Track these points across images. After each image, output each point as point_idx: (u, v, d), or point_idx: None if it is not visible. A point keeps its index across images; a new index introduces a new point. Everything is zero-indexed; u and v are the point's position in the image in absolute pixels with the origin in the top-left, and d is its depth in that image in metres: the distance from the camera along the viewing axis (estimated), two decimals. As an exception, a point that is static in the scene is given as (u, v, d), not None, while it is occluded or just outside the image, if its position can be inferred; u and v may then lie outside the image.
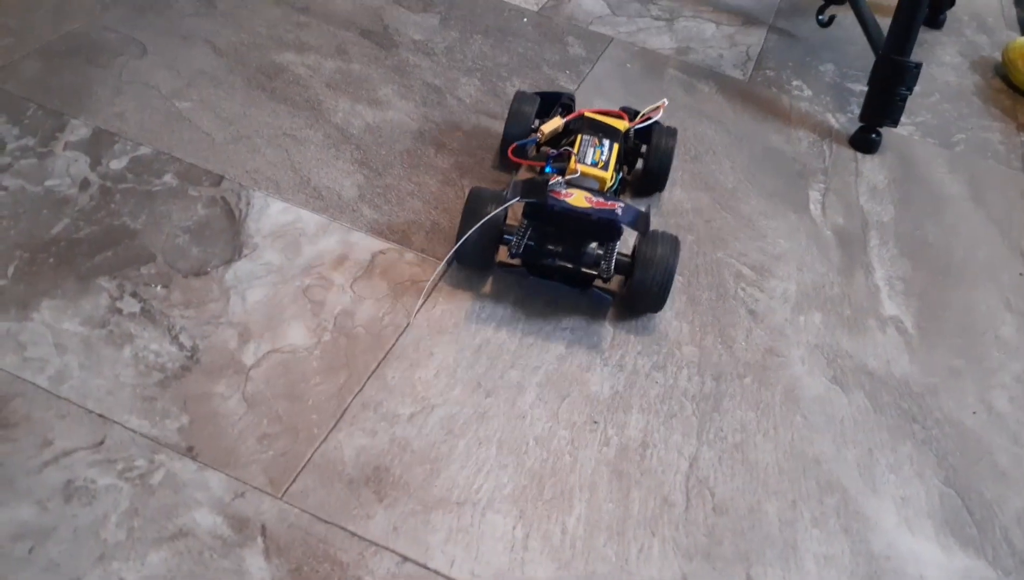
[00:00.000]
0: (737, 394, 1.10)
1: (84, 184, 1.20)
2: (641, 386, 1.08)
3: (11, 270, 1.06)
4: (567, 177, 1.11)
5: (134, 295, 1.06)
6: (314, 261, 1.15)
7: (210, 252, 1.13)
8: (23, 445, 0.88)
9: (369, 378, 1.02)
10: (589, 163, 1.15)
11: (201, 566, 0.81)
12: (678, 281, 1.24)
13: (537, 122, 1.31)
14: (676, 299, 1.21)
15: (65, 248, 1.10)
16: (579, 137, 1.20)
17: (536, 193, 1.07)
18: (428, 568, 0.85)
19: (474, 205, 1.10)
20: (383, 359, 1.05)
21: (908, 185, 1.54)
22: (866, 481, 1.02)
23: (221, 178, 1.25)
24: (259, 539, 0.84)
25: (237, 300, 1.08)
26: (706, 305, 1.22)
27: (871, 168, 1.56)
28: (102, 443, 0.89)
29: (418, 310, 1.11)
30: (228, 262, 1.13)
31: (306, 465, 0.92)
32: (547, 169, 1.16)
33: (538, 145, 1.30)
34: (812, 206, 1.45)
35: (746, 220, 1.39)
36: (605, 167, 1.15)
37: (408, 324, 1.09)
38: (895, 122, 1.55)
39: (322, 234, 1.19)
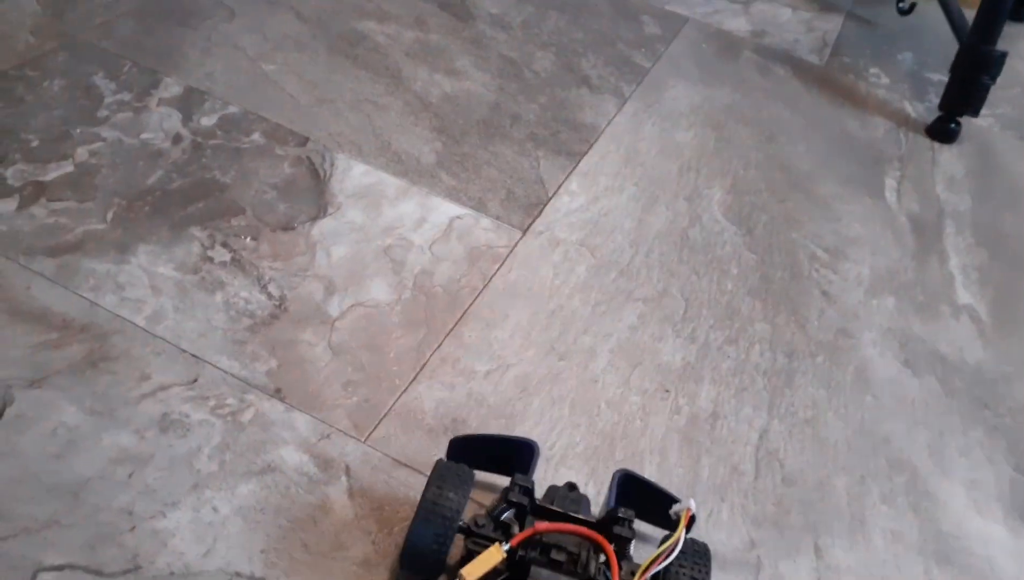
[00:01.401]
0: (809, 372, 1.10)
1: (177, 138, 1.24)
2: (713, 358, 1.09)
3: (110, 216, 1.10)
4: None
5: (225, 245, 1.10)
6: (394, 222, 1.18)
7: (296, 208, 1.17)
8: (122, 378, 0.92)
9: (447, 335, 1.05)
10: None
11: (288, 500, 0.84)
12: (751, 259, 1.25)
13: (465, 521, 0.75)
14: (749, 277, 1.22)
15: (159, 198, 1.14)
16: None
17: None
18: (503, 517, 0.87)
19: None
20: (460, 318, 1.07)
21: (986, 176, 1.52)
22: (936, 462, 1.02)
23: (306, 139, 1.29)
24: (343, 478, 0.87)
25: (323, 255, 1.11)
26: (779, 284, 1.22)
27: (948, 158, 1.54)
28: (195, 381, 0.93)
29: (494, 274, 1.14)
30: (314, 219, 1.16)
31: (388, 413, 0.95)
32: None
33: None
34: (887, 193, 1.44)
35: (821, 203, 1.38)
36: None
37: (484, 287, 1.12)
38: (976, 112, 1.52)
39: (402, 197, 1.22)
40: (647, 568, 0.72)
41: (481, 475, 0.87)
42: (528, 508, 0.79)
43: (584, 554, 0.75)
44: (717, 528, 0.90)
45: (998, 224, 1.41)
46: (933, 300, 1.25)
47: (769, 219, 1.33)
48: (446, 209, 1.21)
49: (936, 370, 1.14)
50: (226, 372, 0.95)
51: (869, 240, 1.33)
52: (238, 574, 0.78)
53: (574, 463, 0.94)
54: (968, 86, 1.49)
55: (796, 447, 1.00)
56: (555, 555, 0.74)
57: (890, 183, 1.46)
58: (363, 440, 0.91)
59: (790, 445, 1.00)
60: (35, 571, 0.76)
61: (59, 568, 0.76)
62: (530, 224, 1.22)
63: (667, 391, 1.04)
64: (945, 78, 1.56)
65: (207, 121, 1.28)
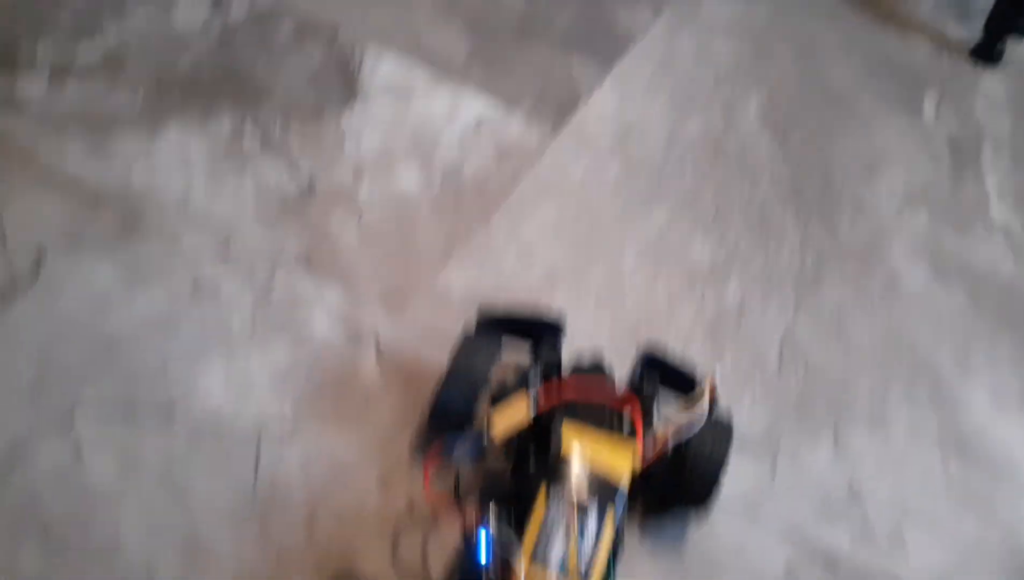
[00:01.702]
0: (837, 276, 1.10)
1: (206, 27, 1.23)
2: (742, 260, 1.09)
3: (140, 96, 1.10)
4: None
5: (255, 128, 1.10)
6: (424, 116, 1.18)
7: (326, 98, 1.16)
8: (155, 246, 0.93)
9: (476, 226, 1.05)
10: (555, 562, 0.61)
11: (319, 364, 0.86)
12: (784, 169, 1.23)
13: (495, 384, 0.75)
14: (782, 185, 1.21)
15: (190, 82, 1.14)
16: (542, 494, 0.65)
17: None
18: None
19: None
20: (490, 210, 1.07)
21: (1029, 100, 1.48)
22: (960, 367, 1.02)
23: (336, 31, 1.28)
24: (372, 348, 0.89)
25: (352, 143, 1.11)
26: (812, 193, 1.21)
27: (991, 80, 1.50)
28: (227, 251, 0.94)
29: (524, 171, 1.13)
30: (343, 108, 1.16)
31: (417, 293, 0.95)
32: (478, 559, 0.62)
33: (484, 450, 0.75)
34: (926, 112, 1.41)
35: (858, 119, 1.36)
36: (584, 573, 0.61)
37: (514, 183, 1.11)
38: (1023, 33, 1.48)
39: (432, 92, 1.21)
40: (672, 430, 0.73)
41: (510, 343, 0.87)
42: (554, 374, 0.80)
43: (608, 416, 0.76)
44: (738, 413, 0.91)
45: (1038, 148, 1.38)
46: (967, 217, 1.23)
47: (804, 132, 1.31)
48: (477, 106, 1.21)
49: (966, 283, 1.13)
50: (257, 245, 0.96)
51: (905, 157, 1.31)
52: (269, 426, 0.80)
53: (599, 348, 0.94)
54: (1016, 6, 1.45)
55: (821, 345, 1.00)
56: (581, 414, 0.75)
57: (929, 103, 1.43)
58: (392, 315, 0.92)
59: (815, 343, 1.00)
60: (73, 412, 0.78)
61: (96, 412, 0.78)
62: (562, 125, 1.21)
63: (694, 287, 1.04)
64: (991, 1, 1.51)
65: (237, 11, 1.27)
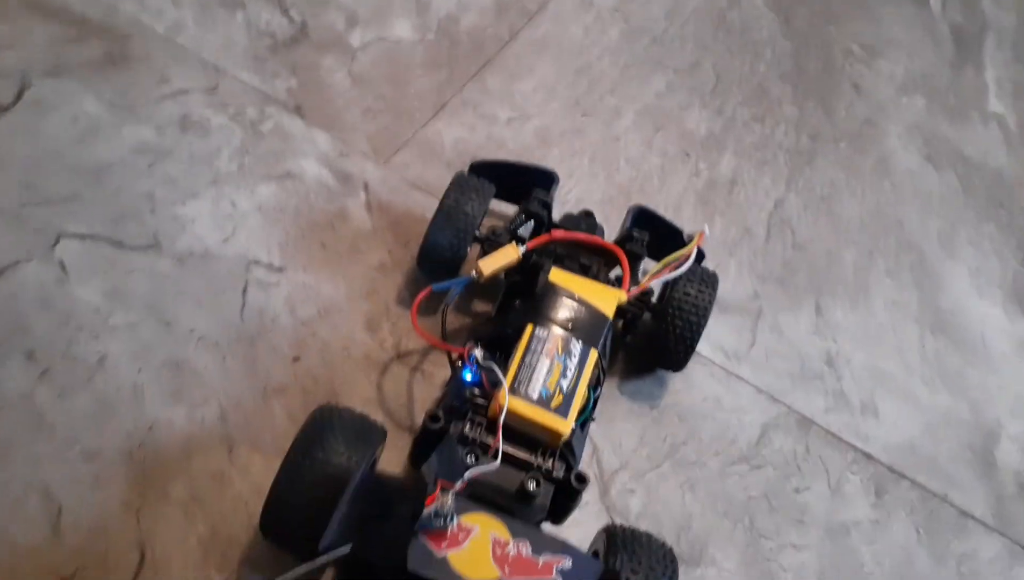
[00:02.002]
0: (831, 155, 1.09)
1: None
2: (737, 132, 1.08)
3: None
4: (493, 419, 0.61)
5: (247, -33, 1.05)
6: (423, -34, 1.13)
7: (321, -59, 1.11)
8: (142, 78, 0.90)
9: (470, 80, 1.03)
10: (536, 394, 0.62)
11: (307, 205, 0.85)
12: (786, 47, 1.21)
13: (484, 231, 0.77)
14: (782, 62, 1.19)
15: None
16: (527, 333, 0.66)
17: (388, 548, 0.53)
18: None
19: None
20: (484, 66, 1.05)
21: (1037, -5, 1.45)
22: (945, 248, 1.03)
23: None
24: (362, 193, 0.88)
25: (346, -12, 1.07)
26: (812, 73, 1.19)
27: (1000, -27, 1.47)
28: (215, 88, 0.92)
29: (522, 28, 1.10)
30: (339, -48, 1.11)
31: (407, 142, 0.94)
32: (465, 376, 0.64)
33: (472, 288, 0.76)
34: (932, 1, 1.38)
35: (863, 3, 1.33)
36: (565, 406, 0.62)
37: (511, 38, 1.09)
38: (1038, -77, 1.44)
39: (432, -57, 1.16)
40: (657, 272, 0.74)
41: (499, 206, 0.87)
42: (545, 222, 0.79)
43: (595, 266, 0.76)
44: (723, 279, 0.91)
45: (1041, 43, 1.37)
46: (964, 105, 1.22)
47: (809, 12, 1.28)
48: (477, -40, 1.16)
49: (957, 168, 1.13)
50: (246, 84, 0.93)
51: (907, 43, 1.29)
52: (256, 261, 0.80)
53: (590, 209, 0.94)
54: None
55: (809, 219, 1.01)
56: (568, 264, 0.75)
57: (936, -8, 1.40)
58: (382, 163, 0.91)
59: (804, 216, 1.01)
60: (58, 236, 0.77)
61: (81, 237, 0.77)
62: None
63: (688, 155, 1.03)
64: None
65: None
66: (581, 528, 0.69)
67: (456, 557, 0.52)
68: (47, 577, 0.61)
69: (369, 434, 0.60)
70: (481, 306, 0.83)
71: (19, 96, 0.85)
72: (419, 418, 0.74)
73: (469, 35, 1.07)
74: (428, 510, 0.52)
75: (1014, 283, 1.02)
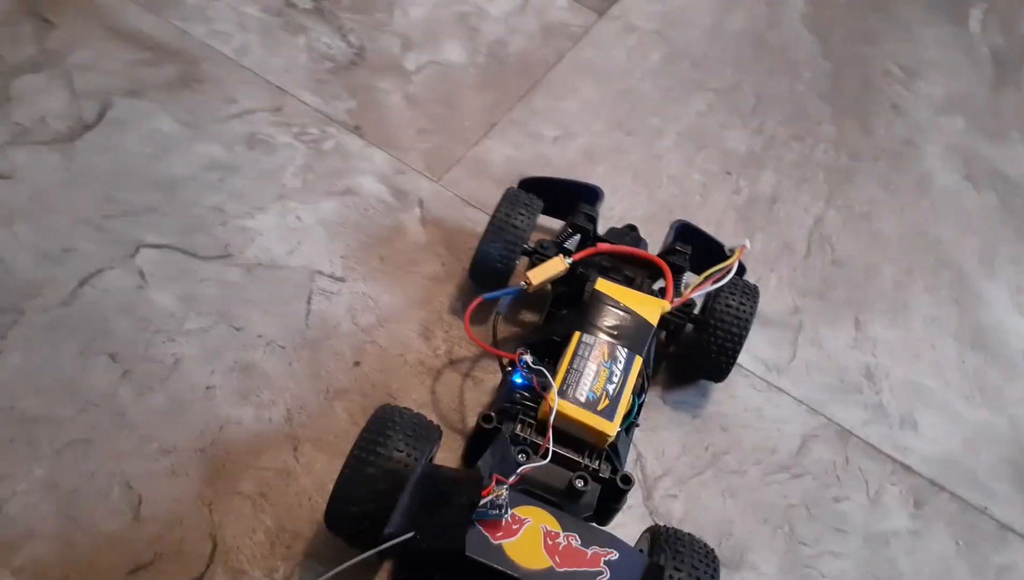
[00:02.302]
0: (870, 173, 1.11)
1: None
2: (777, 151, 1.11)
3: (197, -44, 1.12)
4: (542, 420, 0.65)
5: (308, -6, 1.11)
6: (473, -8, 1.18)
7: (377, -32, 1.17)
8: (212, 99, 0.96)
9: (518, 101, 1.07)
10: (584, 398, 0.66)
11: (366, 219, 0.90)
12: (825, 67, 1.24)
13: (532, 244, 0.81)
14: (821, 83, 1.21)
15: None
16: (575, 340, 0.70)
17: (447, 532, 0.56)
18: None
19: None
20: (532, 88, 1.09)
21: (1078, 17, 1.46)
22: (984, 266, 1.05)
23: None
24: (417, 209, 0.92)
25: (401, 14, 1.12)
26: (850, 93, 1.22)
27: (1041, -5, 1.48)
28: (280, 109, 0.97)
29: (568, 51, 1.14)
30: (394, -21, 1.16)
31: (459, 160, 0.98)
32: (516, 379, 0.68)
33: (526, 294, 0.77)
34: (972, 23, 1.40)
35: (902, 24, 1.35)
36: (610, 410, 0.66)
37: (557, 62, 1.13)
38: (1080, -55, 1.45)
39: (482, -30, 1.21)
40: (700, 283, 0.77)
41: (546, 222, 0.91)
42: (591, 236, 0.83)
43: (639, 278, 0.79)
44: (764, 293, 0.94)
45: (1082, 64, 1.37)
46: (1004, 126, 1.24)
47: (847, 32, 1.30)
48: (525, -15, 1.21)
49: (997, 187, 1.15)
50: (308, 105, 0.99)
51: (946, 64, 1.31)
52: (320, 272, 0.85)
53: (634, 224, 0.98)
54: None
55: (849, 235, 1.03)
56: (613, 275, 0.79)
57: (975, 14, 1.41)
58: (436, 180, 0.96)
59: (843, 233, 1.03)
60: (137, 246, 0.82)
61: (158, 246, 0.83)
62: (607, 8, 1.21)
63: (729, 173, 1.06)
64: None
65: None
66: (625, 530, 0.72)
67: (510, 545, 0.55)
68: (128, 564, 0.66)
69: (427, 432, 0.64)
70: (529, 316, 0.86)
71: (102, 115, 0.91)
72: (470, 421, 0.78)
73: (517, 58, 1.12)
74: (484, 501, 0.56)
75: (1054, 301, 1.03)
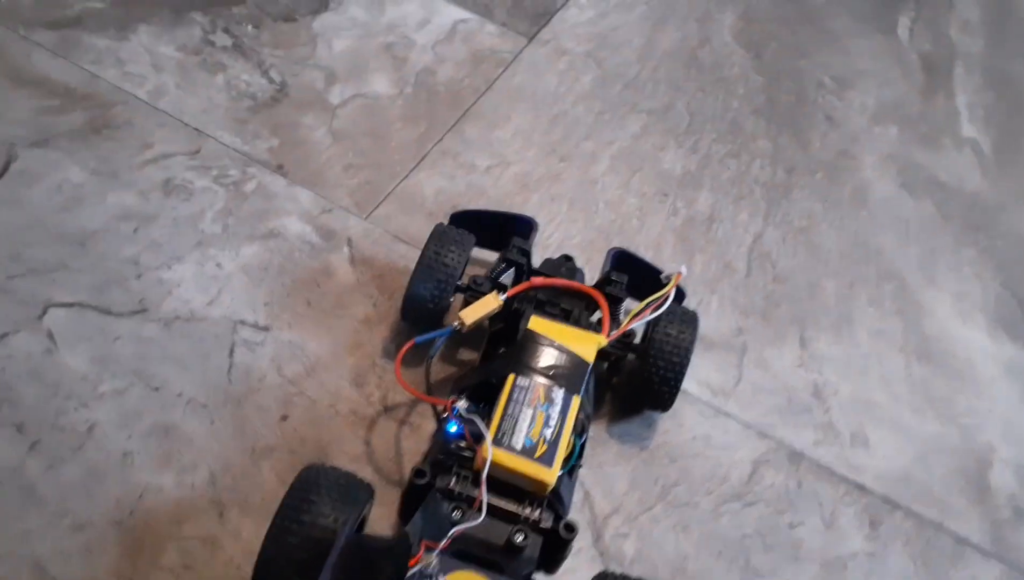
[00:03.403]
0: (807, 187, 1.11)
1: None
2: (713, 169, 1.10)
3: (108, 1, 1.08)
4: (478, 471, 0.61)
5: (226, 31, 1.08)
6: (397, 21, 1.16)
7: (298, 1, 1.14)
8: (126, 145, 0.92)
9: (448, 131, 1.05)
10: (520, 445, 0.63)
11: (292, 263, 0.86)
12: (758, 81, 1.23)
13: (466, 280, 0.78)
14: (755, 98, 1.21)
15: (159, -18, 1.11)
16: (509, 383, 0.67)
17: None
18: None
19: None
20: (462, 116, 1.07)
21: (1002, 22, 1.48)
22: (925, 275, 1.04)
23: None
24: (345, 248, 0.89)
25: (324, 47, 1.09)
26: (784, 106, 1.21)
27: (965, 1, 1.50)
28: (198, 152, 0.93)
29: (498, 78, 1.12)
30: (315, 12, 1.14)
31: (389, 195, 0.95)
32: (449, 429, 0.66)
33: (455, 338, 0.77)
34: (900, 31, 1.41)
35: (832, 36, 1.36)
36: (549, 455, 0.63)
37: (488, 89, 1.11)
38: (999, -49, 1.48)
39: (407, -1, 1.19)
40: (636, 314, 0.75)
41: (481, 254, 0.88)
42: (525, 269, 0.80)
43: (577, 311, 0.77)
44: (706, 316, 0.93)
45: (1009, 68, 1.39)
46: (936, 132, 1.24)
47: (779, 46, 1.30)
48: (450, 12, 1.19)
49: (934, 194, 1.15)
50: (228, 146, 0.95)
51: (877, 73, 1.31)
52: (243, 322, 0.81)
53: (570, 253, 0.95)
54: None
55: (789, 251, 1.02)
56: (549, 310, 0.76)
57: (904, 22, 1.43)
58: (364, 217, 0.93)
59: (783, 249, 1.02)
60: (46, 306, 0.78)
61: (69, 305, 0.78)
62: (536, 32, 1.20)
63: (666, 195, 1.05)
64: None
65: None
66: (575, 576, 0.69)
67: (442, 617, 0.52)
68: (39, 652, 0.61)
69: (355, 493, 0.60)
70: (467, 354, 0.83)
71: (6, 168, 0.86)
72: (408, 472, 0.74)
73: (446, 87, 1.09)
74: (412, 571, 0.52)
75: (996, 306, 1.03)
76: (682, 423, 0.84)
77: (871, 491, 0.84)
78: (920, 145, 1.21)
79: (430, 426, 0.77)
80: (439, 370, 0.81)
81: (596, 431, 0.80)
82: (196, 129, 0.95)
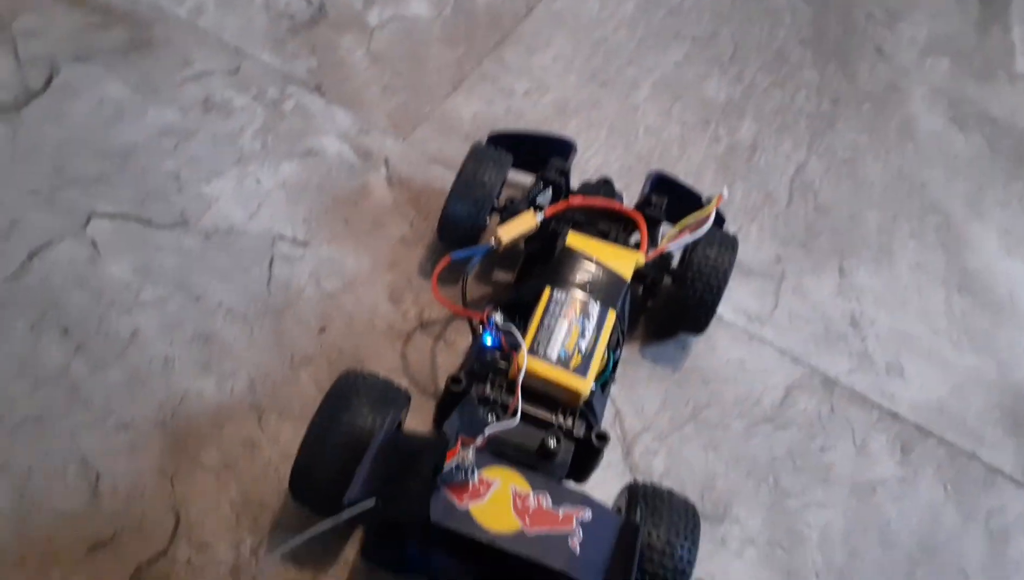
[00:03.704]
0: (853, 118, 1.08)
1: None
2: (757, 99, 1.07)
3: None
4: (513, 380, 0.61)
5: (265, -49, 1.07)
6: (439, -56, 1.14)
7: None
8: (165, 62, 0.92)
9: (488, 55, 1.03)
10: (555, 355, 0.63)
11: (330, 181, 0.86)
12: (806, 12, 1.20)
13: (502, 200, 0.78)
14: (802, 28, 1.18)
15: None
16: (545, 296, 0.67)
17: (408, 501, 0.53)
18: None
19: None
20: (502, 41, 1.05)
21: (1065, -48, 1.42)
22: (971, 209, 1.02)
23: None
24: (383, 169, 0.89)
25: (363, -32, 1.08)
26: (832, 37, 1.18)
27: (1027, -69, 1.44)
28: (237, 70, 0.93)
29: (539, 2, 1.10)
30: (355, -66, 1.12)
31: (426, 117, 0.95)
32: (485, 340, 0.65)
33: (492, 257, 0.76)
34: (956, -39, 1.36)
35: (884, -35, 1.31)
36: (584, 366, 0.63)
37: (528, 13, 1.09)
38: None
39: (447, -79, 1.17)
40: (675, 235, 0.74)
41: (518, 177, 0.87)
42: (563, 190, 0.80)
43: (614, 233, 0.76)
44: (745, 243, 0.92)
45: (1070, 0, 1.34)
46: (990, 66, 1.20)
47: (828, -25, 1.26)
48: (492, -64, 1.16)
49: (984, 129, 1.12)
50: (267, 65, 0.95)
51: (931, 5, 1.27)
52: (281, 237, 0.81)
53: (608, 176, 0.94)
54: None
55: (831, 182, 1.00)
56: (586, 230, 0.75)
57: (961, -48, 1.37)
58: (402, 138, 0.92)
59: (826, 180, 1.00)
60: (89, 216, 0.79)
61: (111, 216, 0.79)
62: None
63: (708, 123, 1.03)
64: None
65: None
66: (605, 488, 0.70)
67: (478, 509, 0.53)
68: (87, 541, 0.63)
69: (392, 396, 0.61)
70: (502, 275, 0.84)
71: (48, 82, 0.87)
72: (443, 384, 0.75)
73: (486, 10, 1.08)
74: (449, 464, 0.53)
75: (1043, 242, 1.00)
76: (716, 347, 0.83)
77: (904, 419, 0.83)
78: (972, 79, 1.18)
79: (465, 342, 0.78)
80: (475, 289, 0.81)
81: (629, 353, 0.81)
82: (235, 48, 0.95)
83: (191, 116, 0.88)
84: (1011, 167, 1.08)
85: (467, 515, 0.53)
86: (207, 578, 0.63)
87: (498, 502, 0.54)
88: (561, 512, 0.54)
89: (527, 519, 0.54)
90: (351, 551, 0.65)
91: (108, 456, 0.67)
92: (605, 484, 0.70)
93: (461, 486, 0.54)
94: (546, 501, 0.55)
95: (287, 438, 0.70)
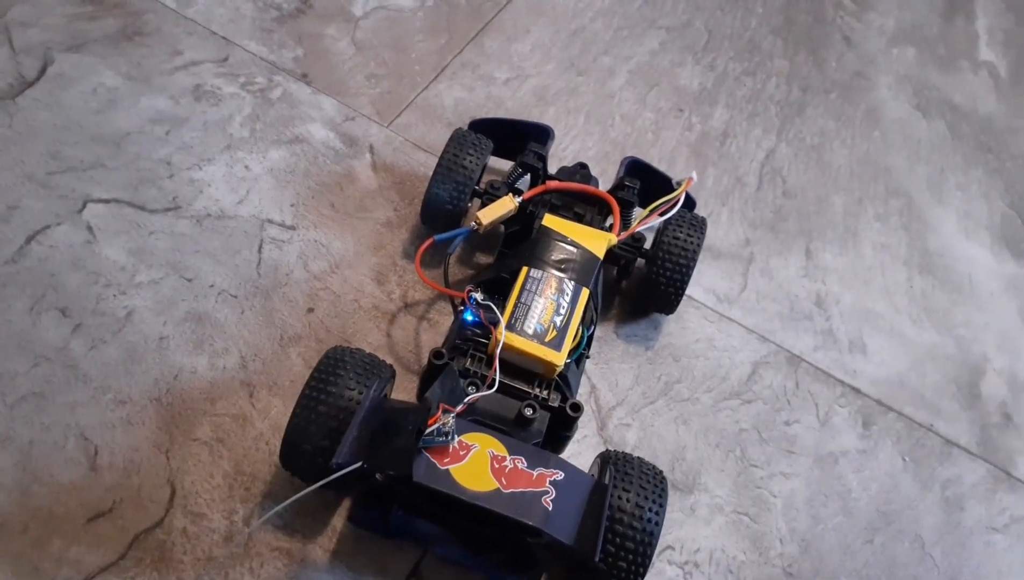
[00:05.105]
0: (821, 105, 1.12)
1: None
2: (729, 86, 1.11)
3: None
4: (492, 354, 0.66)
5: (250, -58, 1.09)
6: (421, -65, 1.16)
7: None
8: (156, 51, 0.95)
9: (468, 43, 1.07)
10: (532, 330, 0.67)
11: (316, 167, 0.90)
12: (777, 2, 1.24)
13: (483, 185, 0.81)
14: (774, 17, 1.21)
15: None
16: (522, 275, 0.71)
17: (394, 460, 0.57)
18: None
19: None
20: (482, 29, 1.09)
21: (1030, -56, 1.46)
22: (933, 193, 1.06)
23: None
24: (367, 155, 0.92)
25: (347, -41, 1.11)
26: (802, 27, 1.22)
27: (995, -78, 1.48)
28: (226, 60, 0.96)
29: (519, -8, 1.13)
30: (339, -75, 1.14)
31: (409, 104, 0.98)
32: (466, 317, 0.70)
33: (477, 234, 0.78)
34: (925, -48, 1.40)
35: (854, -45, 1.35)
36: (558, 341, 0.67)
37: (508, 2, 1.12)
38: None
39: (429, -88, 1.20)
40: (646, 216, 0.78)
41: (498, 163, 0.91)
42: (541, 175, 0.84)
43: (589, 215, 0.80)
44: (715, 227, 0.96)
45: (1034, -9, 1.38)
46: (954, 55, 1.25)
47: (800, -34, 1.30)
48: (473, -73, 1.19)
49: (946, 116, 1.16)
50: (255, 55, 0.98)
51: (899, -5, 1.31)
52: (270, 220, 0.85)
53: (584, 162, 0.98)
54: None
55: (800, 167, 1.04)
56: (563, 213, 0.79)
57: (929, -57, 1.41)
58: (386, 125, 0.96)
59: (794, 165, 1.04)
60: (85, 201, 0.82)
61: (106, 201, 0.82)
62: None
63: (681, 110, 1.07)
64: None
65: None
66: (581, 458, 0.74)
67: (458, 470, 0.57)
68: (87, 511, 0.67)
69: (377, 369, 0.65)
70: (483, 257, 0.87)
71: (43, 71, 0.90)
72: (426, 361, 0.79)
73: (467, 0, 1.11)
74: (431, 429, 0.57)
75: (1002, 225, 1.05)
76: (686, 326, 0.88)
77: (866, 394, 0.88)
78: (936, 67, 1.22)
79: (447, 322, 0.82)
80: (456, 271, 0.85)
81: (603, 332, 0.85)
82: (224, 38, 0.98)
83: (182, 104, 0.91)
84: (971, 152, 1.12)
85: (447, 475, 0.57)
86: (202, 546, 0.67)
87: (476, 464, 0.58)
88: (536, 473, 0.59)
89: (504, 479, 0.58)
90: (339, 521, 0.69)
91: (106, 430, 0.70)
92: (581, 456, 0.74)
93: (442, 449, 0.58)
94: (522, 463, 0.59)
95: (277, 413, 0.74)
